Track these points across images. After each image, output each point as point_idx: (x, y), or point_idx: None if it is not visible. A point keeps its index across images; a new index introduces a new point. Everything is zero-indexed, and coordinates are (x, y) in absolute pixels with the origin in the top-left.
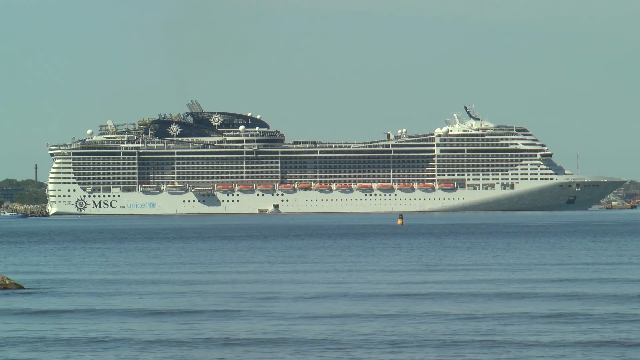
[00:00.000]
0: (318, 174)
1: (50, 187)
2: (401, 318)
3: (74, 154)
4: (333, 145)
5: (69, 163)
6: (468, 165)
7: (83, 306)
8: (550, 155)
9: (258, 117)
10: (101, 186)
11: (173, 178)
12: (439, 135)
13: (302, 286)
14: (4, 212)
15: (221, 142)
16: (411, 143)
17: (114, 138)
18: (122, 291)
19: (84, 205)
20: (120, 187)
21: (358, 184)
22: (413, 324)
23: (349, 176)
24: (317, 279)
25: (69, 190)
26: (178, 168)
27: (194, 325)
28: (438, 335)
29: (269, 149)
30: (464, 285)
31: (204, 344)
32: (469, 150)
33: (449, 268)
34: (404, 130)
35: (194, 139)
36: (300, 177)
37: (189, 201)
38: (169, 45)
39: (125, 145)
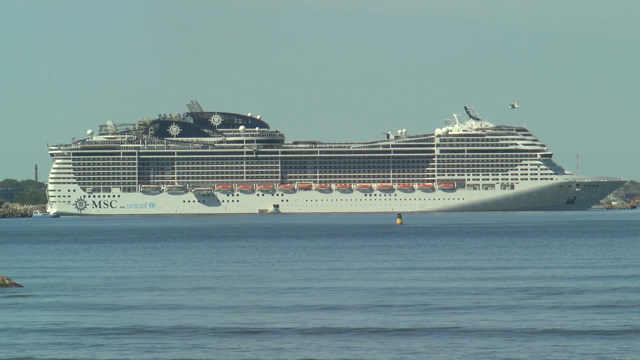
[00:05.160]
0: (318, 174)
1: (50, 187)
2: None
3: (74, 154)
4: (333, 145)
5: (69, 163)
6: (468, 166)
7: (81, 308)
8: (550, 155)
9: (258, 117)
10: (101, 186)
11: (173, 178)
12: (439, 136)
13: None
14: (36, 212)
15: (221, 142)
16: (411, 143)
17: (114, 138)
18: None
19: (83, 206)
20: (120, 187)
21: (358, 184)
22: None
23: (349, 176)
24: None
25: (69, 191)
26: (178, 168)
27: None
28: None
29: (268, 149)
30: None
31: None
32: (468, 151)
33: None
34: (403, 130)
35: (194, 139)
36: (300, 177)
37: (189, 201)
38: (169, 45)
39: (125, 145)
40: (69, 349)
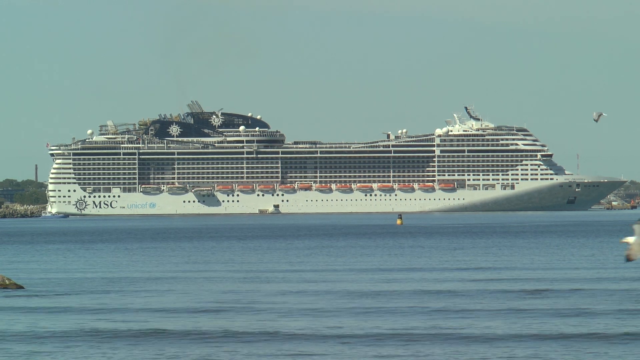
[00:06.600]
0: (318, 174)
1: (50, 187)
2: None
3: (74, 154)
4: (333, 145)
5: (69, 163)
6: (468, 166)
7: (82, 309)
8: (550, 155)
9: (258, 117)
10: (101, 186)
11: (173, 178)
12: (439, 136)
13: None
14: (45, 212)
15: (221, 142)
16: (411, 143)
17: (114, 138)
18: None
19: (84, 206)
20: (120, 188)
21: (358, 184)
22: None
23: (349, 176)
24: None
25: (69, 191)
26: (178, 168)
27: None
28: None
29: (269, 149)
30: None
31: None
32: (469, 151)
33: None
34: (404, 130)
35: (194, 139)
36: (301, 177)
37: (189, 201)
38: (169, 45)
39: (126, 145)
40: (70, 350)
